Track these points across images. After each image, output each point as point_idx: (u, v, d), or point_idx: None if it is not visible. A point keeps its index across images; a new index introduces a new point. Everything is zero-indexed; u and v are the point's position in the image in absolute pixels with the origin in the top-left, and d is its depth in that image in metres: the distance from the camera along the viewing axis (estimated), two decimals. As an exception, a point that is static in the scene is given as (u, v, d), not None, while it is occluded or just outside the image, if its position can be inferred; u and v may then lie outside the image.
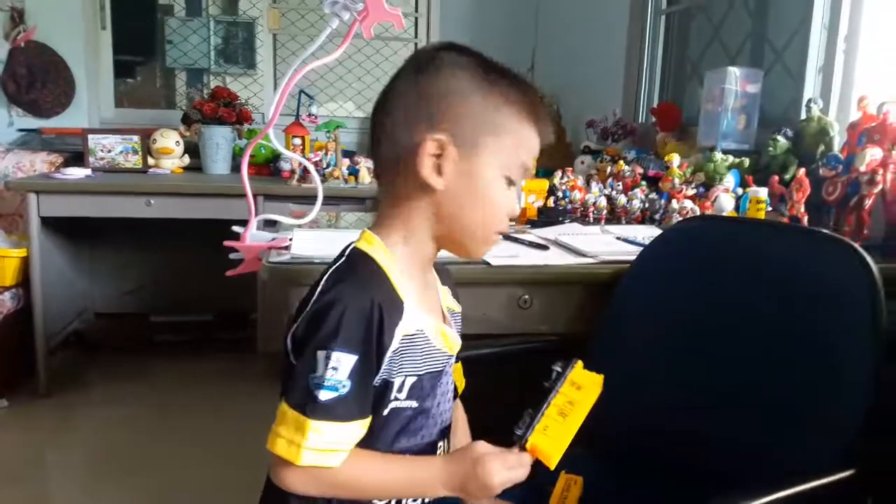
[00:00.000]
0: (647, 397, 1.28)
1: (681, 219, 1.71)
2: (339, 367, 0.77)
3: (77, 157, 3.04)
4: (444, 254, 0.93)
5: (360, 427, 0.80)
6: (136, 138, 3.01)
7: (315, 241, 1.42)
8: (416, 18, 3.83)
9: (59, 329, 2.91)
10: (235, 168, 3.24)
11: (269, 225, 1.74)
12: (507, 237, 1.59)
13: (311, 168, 1.57)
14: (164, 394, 2.85)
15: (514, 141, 0.85)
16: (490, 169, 0.84)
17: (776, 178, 1.73)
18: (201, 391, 2.87)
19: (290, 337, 0.82)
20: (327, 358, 0.76)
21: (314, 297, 0.81)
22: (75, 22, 3.40)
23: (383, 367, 0.81)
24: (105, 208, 2.71)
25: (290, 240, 1.44)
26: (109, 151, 2.99)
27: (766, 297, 1.17)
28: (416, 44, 3.85)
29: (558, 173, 1.92)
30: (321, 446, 0.77)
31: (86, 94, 3.44)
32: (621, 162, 2.09)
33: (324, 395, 0.76)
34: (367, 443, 0.82)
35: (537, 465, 0.86)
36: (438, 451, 0.93)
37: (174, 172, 3.08)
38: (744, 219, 1.60)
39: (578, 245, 1.48)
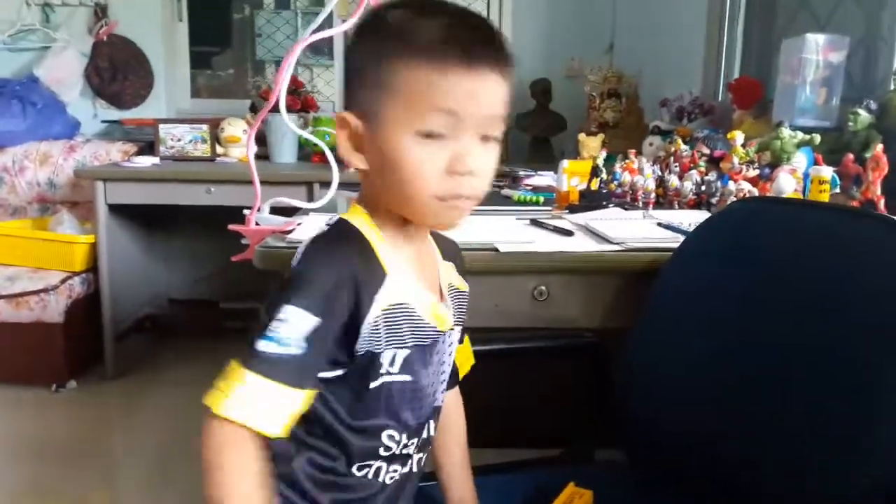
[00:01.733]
0: (684, 405, 1.12)
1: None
2: (288, 322, 0.72)
3: (151, 147, 3.12)
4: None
5: (292, 399, 0.72)
6: (204, 127, 3.05)
7: (320, 225, 1.35)
8: (487, -6, 3.68)
9: (129, 314, 2.98)
10: (303, 157, 3.22)
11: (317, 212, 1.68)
12: (533, 222, 1.46)
13: (327, 150, 1.49)
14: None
15: (413, 89, 0.73)
16: (395, 133, 0.75)
17: (851, 156, 1.51)
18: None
19: None
20: (278, 311, 0.72)
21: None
22: (154, 15, 3.47)
23: (362, 337, 0.77)
24: (167, 196, 2.75)
25: (298, 224, 1.38)
26: (179, 140, 3.04)
27: (822, 293, 0.97)
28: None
29: (602, 153, 1.76)
30: (245, 398, 0.70)
31: (163, 86, 3.52)
32: (679, 140, 1.90)
33: (261, 346, 0.71)
34: (355, 414, 0.81)
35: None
36: (426, 430, 0.90)
37: (241, 161, 3.09)
38: (798, 201, 1.39)
39: (607, 231, 1.33)
